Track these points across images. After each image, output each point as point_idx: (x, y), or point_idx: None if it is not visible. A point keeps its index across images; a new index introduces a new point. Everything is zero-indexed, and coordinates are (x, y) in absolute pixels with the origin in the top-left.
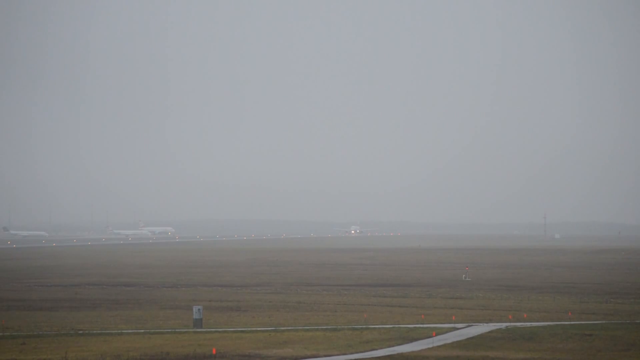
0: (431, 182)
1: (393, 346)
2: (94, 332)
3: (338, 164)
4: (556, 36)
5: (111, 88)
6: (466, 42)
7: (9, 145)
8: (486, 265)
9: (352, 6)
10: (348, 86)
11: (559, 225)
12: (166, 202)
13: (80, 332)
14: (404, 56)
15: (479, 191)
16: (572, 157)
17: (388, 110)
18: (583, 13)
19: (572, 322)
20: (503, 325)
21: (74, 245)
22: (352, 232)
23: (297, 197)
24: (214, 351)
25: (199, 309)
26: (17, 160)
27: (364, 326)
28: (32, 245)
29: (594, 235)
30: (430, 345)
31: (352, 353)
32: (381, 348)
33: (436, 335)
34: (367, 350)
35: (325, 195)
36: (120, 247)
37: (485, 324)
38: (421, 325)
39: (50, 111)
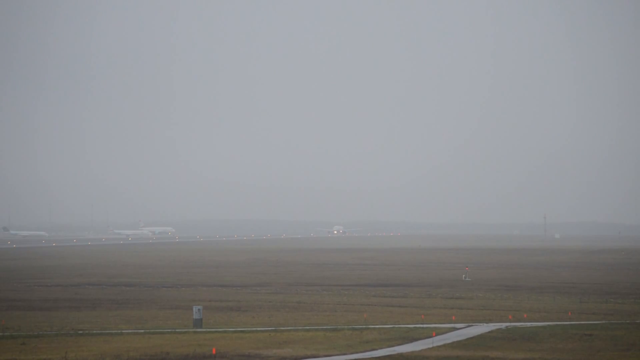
0: (431, 182)
1: (393, 346)
2: (94, 332)
3: (338, 165)
4: (555, 34)
5: (112, 87)
6: (464, 40)
7: (9, 144)
8: (486, 265)
9: (352, 8)
10: (347, 87)
11: (559, 225)
12: (166, 202)
13: (80, 332)
14: (401, 54)
15: (479, 191)
16: (572, 157)
17: (386, 110)
18: (581, 11)
19: (572, 322)
20: (503, 325)
21: (74, 245)
22: (335, 232)
23: (298, 197)
24: (213, 351)
25: (199, 309)
26: (17, 160)
27: (364, 326)
28: (32, 245)
29: (594, 235)
30: (430, 345)
31: (352, 353)
32: (381, 348)
33: (436, 335)
34: (367, 350)
35: (326, 195)
36: (120, 247)
37: (485, 324)
38: (421, 325)
39: (51, 110)
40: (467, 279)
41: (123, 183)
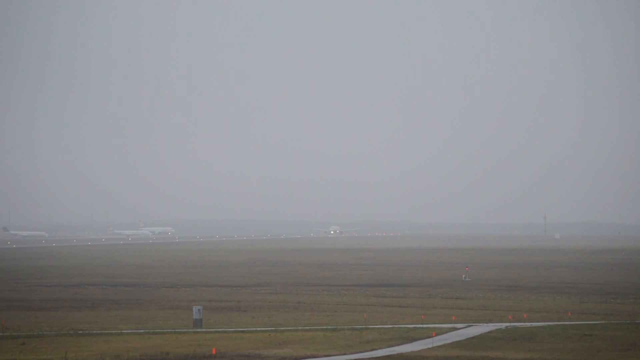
0: (430, 182)
1: (393, 346)
2: (94, 332)
3: (338, 165)
4: (555, 35)
5: (112, 88)
6: (464, 41)
7: (9, 145)
8: (486, 265)
9: (352, 9)
10: (347, 87)
11: (559, 225)
12: (166, 202)
13: (80, 332)
14: (401, 55)
15: (479, 191)
16: (572, 157)
17: (386, 110)
18: (582, 11)
19: (572, 322)
20: (503, 325)
21: (74, 245)
22: (332, 232)
23: (298, 197)
24: (213, 351)
25: (198, 309)
26: (17, 160)
27: (364, 326)
28: (32, 245)
29: (594, 235)
30: (430, 346)
31: (352, 353)
32: (381, 348)
33: (436, 335)
34: (367, 350)
35: (326, 195)
36: (120, 247)
37: (485, 324)
38: (421, 326)
39: (51, 110)
40: (467, 279)
41: (123, 183)
